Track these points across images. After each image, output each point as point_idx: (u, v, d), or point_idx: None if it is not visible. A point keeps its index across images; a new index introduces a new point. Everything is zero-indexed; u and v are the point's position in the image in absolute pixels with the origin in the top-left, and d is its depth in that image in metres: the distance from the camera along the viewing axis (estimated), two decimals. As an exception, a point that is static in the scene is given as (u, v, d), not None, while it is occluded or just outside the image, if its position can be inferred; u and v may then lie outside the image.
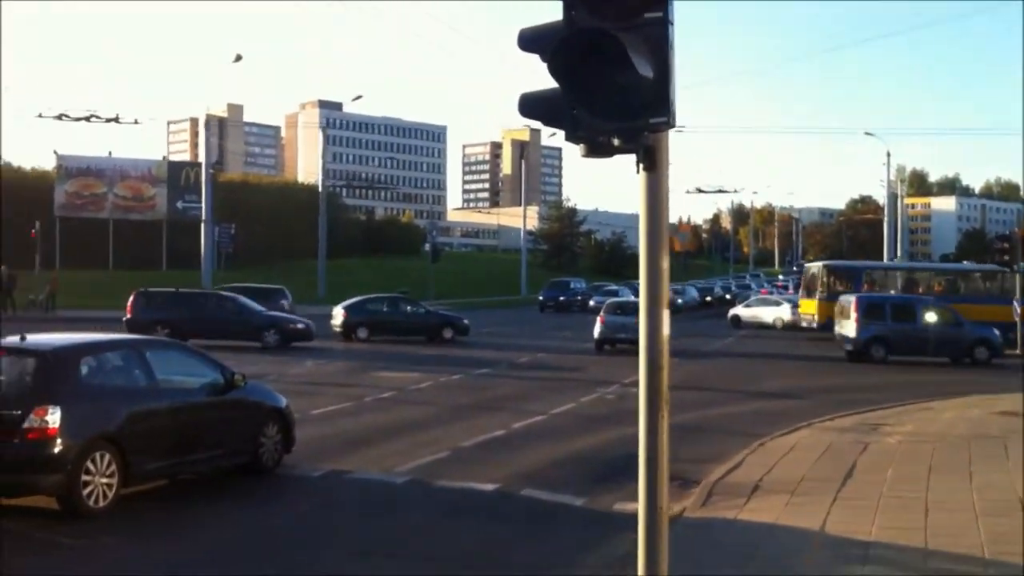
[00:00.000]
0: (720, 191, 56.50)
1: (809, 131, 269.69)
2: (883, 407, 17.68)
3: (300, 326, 29.55)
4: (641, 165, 5.03)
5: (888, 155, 67.33)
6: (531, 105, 5.22)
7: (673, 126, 4.95)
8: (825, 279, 39.01)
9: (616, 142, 4.98)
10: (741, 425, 15.88)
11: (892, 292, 38.72)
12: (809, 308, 39.10)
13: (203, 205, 49.78)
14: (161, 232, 70.84)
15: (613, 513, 10.20)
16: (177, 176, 72.17)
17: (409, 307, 33.89)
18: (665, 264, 5.16)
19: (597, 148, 4.99)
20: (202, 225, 49.73)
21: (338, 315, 32.69)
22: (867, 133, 68.43)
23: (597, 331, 30.98)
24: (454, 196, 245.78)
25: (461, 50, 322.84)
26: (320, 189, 62.56)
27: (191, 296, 31.20)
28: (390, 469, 11.70)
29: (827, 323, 36.30)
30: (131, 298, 29.97)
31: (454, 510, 10.21)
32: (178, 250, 67.29)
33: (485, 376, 22.57)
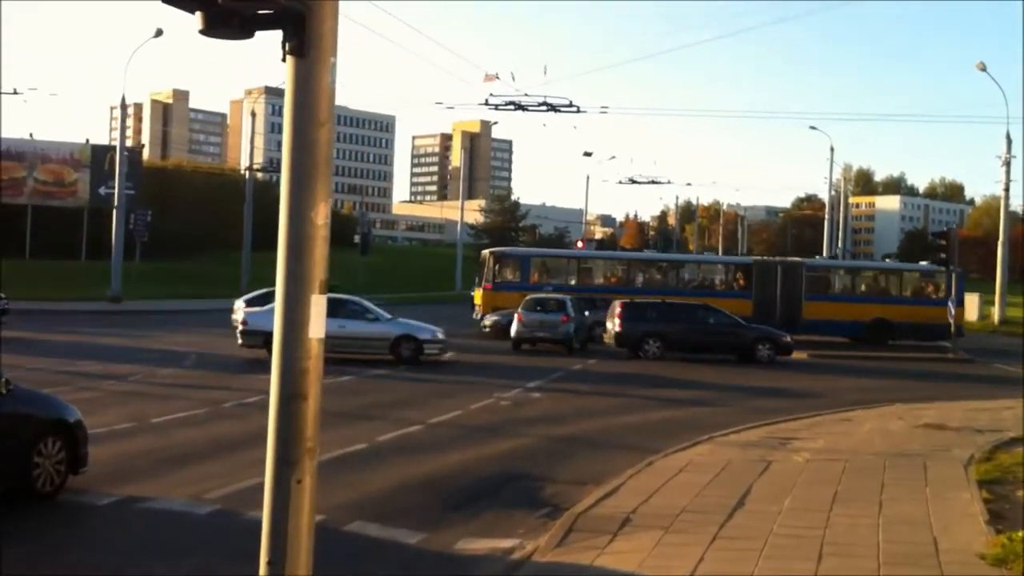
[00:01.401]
0: (653, 182, 54.85)
1: (749, 115, 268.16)
2: (799, 417, 16.15)
3: (789, 339, 28.37)
4: (287, 46, 3.19)
5: (832, 150, 66.62)
6: None
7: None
8: (492, 267, 36.98)
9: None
10: (639, 438, 14.20)
11: (572, 282, 37.41)
12: (477, 298, 37.32)
13: (116, 191, 47.26)
14: (82, 219, 68.04)
15: (451, 554, 8.45)
16: (101, 160, 69.01)
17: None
18: (321, 219, 3.36)
19: (219, 17, 3.17)
20: (113, 211, 47.18)
21: (239, 310, 30.56)
22: (812, 127, 67.39)
23: (514, 329, 29.28)
24: (402, 189, 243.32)
25: (415, 43, 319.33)
26: (247, 175, 59.98)
27: (679, 308, 29.23)
28: (202, 495, 9.83)
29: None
30: (618, 309, 27.85)
31: (251, 551, 8.36)
32: (99, 239, 64.37)
33: (377, 378, 20.72)
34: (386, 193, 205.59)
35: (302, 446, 3.47)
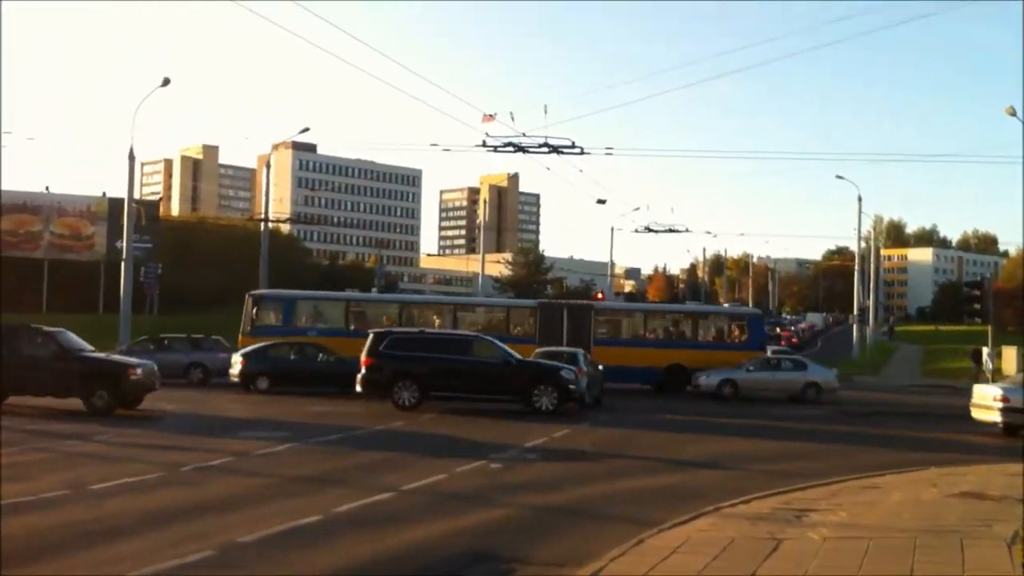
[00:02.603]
0: (671, 230, 53.16)
1: (767, 156, 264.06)
2: (822, 483, 14.44)
3: None
4: None
5: (859, 199, 64.87)
6: None
7: None
8: (250, 311, 34.90)
9: None
10: (637, 508, 12.59)
11: (352, 327, 35.10)
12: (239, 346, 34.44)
13: (124, 243, 46.38)
14: (99, 273, 67.47)
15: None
16: (118, 213, 68.51)
17: (320, 355, 30.56)
18: None
19: None
20: (122, 265, 46.25)
21: (236, 363, 29.31)
22: (838, 176, 66.06)
23: (524, 383, 27.75)
24: (431, 242, 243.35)
25: (437, 99, 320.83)
26: (262, 226, 59.14)
27: None
28: (104, 581, 8.36)
29: None
30: None
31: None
32: (117, 292, 63.64)
33: (364, 438, 19.23)
34: (413, 247, 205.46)
35: None
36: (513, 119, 30.33)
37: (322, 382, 29.52)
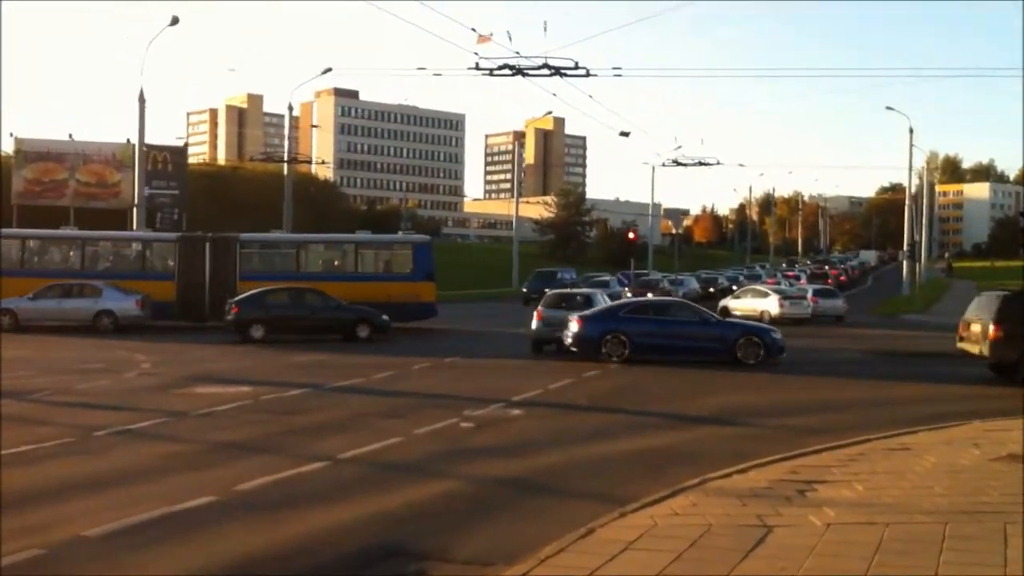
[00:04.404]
0: (701, 163, 50.20)
1: (818, 74, 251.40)
2: (842, 443, 12.12)
3: None
4: None
5: (911, 131, 61.28)
6: None
7: None
8: None
9: None
10: (610, 480, 10.49)
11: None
12: None
13: (135, 189, 44.90)
14: (125, 220, 66.21)
15: None
16: (144, 161, 67.15)
17: (318, 301, 28.65)
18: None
19: None
20: (134, 211, 44.80)
21: (229, 309, 27.49)
22: (888, 108, 62.66)
23: (533, 328, 25.71)
24: (477, 188, 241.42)
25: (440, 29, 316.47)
26: (286, 171, 57.45)
27: None
28: None
29: None
30: None
31: None
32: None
33: (332, 392, 17.24)
34: (457, 191, 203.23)
35: None
36: (511, 39, 27.68)
37: (319, 330, 27.85)
